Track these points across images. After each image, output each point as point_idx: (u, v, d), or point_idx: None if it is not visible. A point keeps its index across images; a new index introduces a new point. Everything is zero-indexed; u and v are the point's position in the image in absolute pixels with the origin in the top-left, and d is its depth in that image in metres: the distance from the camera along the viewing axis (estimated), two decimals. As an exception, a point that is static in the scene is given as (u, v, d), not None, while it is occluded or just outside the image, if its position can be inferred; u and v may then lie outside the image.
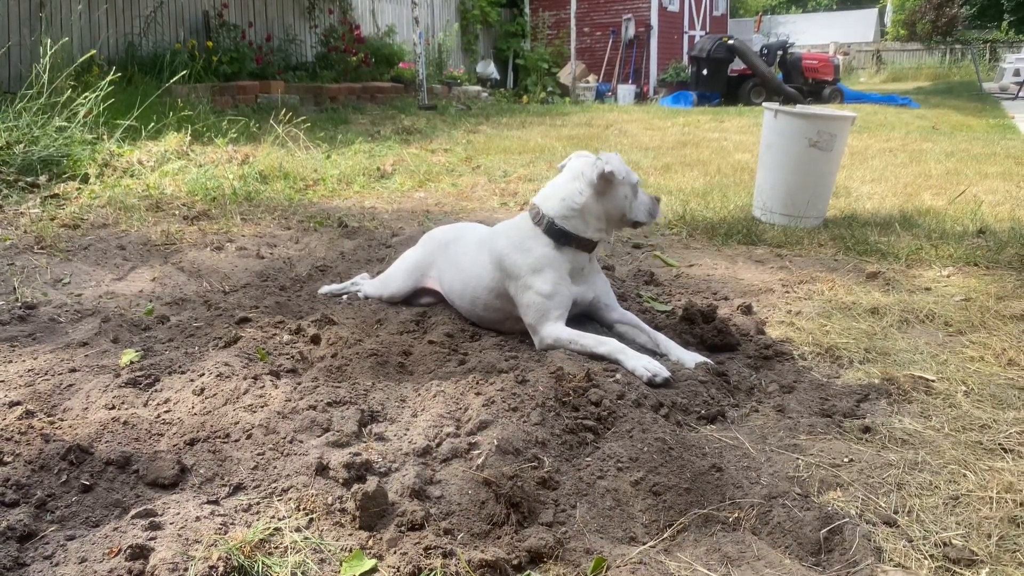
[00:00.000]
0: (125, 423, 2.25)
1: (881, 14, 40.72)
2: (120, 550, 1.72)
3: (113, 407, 2.40)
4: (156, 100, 7.77)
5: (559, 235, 2.92)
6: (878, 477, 2.11)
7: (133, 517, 1.84)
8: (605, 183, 2.90)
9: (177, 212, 5.26)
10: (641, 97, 19.46)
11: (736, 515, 1.94)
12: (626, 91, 18.87)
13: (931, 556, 1.79)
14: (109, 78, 6.64)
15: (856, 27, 37.74)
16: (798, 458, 2.19)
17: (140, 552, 1.70)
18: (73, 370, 2.68)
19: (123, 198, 5.42)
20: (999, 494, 2.00)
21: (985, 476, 2.09)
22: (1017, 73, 20.78)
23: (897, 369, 2.81)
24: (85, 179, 5.77)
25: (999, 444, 2.27)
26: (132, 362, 2.75)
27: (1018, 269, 4.03)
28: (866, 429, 2.36)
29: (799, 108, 5.56)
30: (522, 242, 2.96)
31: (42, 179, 5.59)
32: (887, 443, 2.30)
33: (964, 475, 2.10)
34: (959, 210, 5.54)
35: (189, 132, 7.21)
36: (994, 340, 3.05)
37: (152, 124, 7.02)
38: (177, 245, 4.50)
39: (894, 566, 1.74)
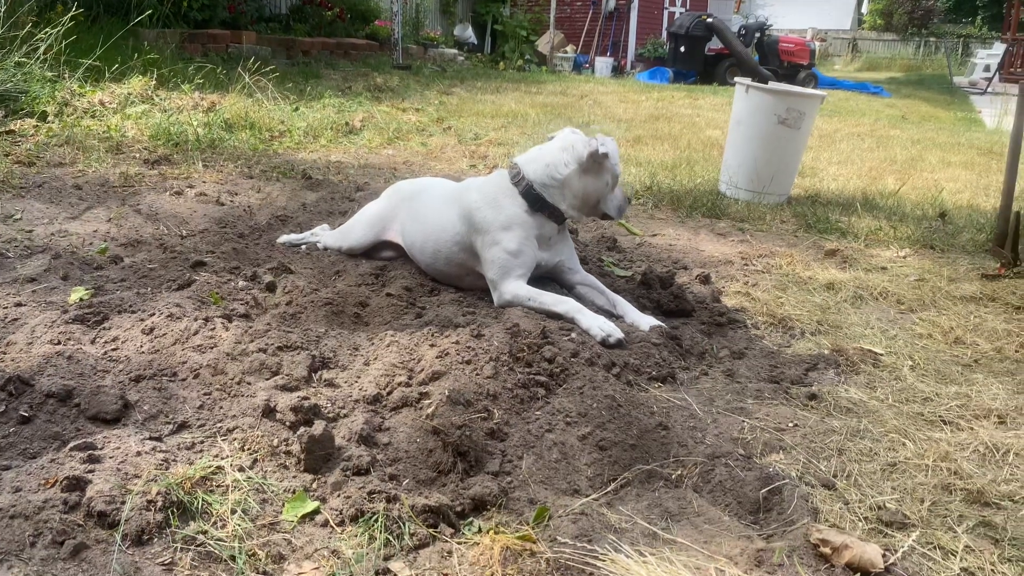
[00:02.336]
0: (70, 358, 2.21)
1: (859, 2, 40.90)
2: (56, 481, 1.69)
3: (59, 342, 2.35)
4: (122, 42, 7.54)
5: (535, 200, 2.91)
6: (820, 442, 2.15)
7: (72, 449, 1.81)
8: (593, 163, 2.89)
9: (138, 155, 5.14)
10: (618, 71, 19.36)
11: (679, 472, 1.97)
12: (604, 64, 18.76)
13: (865, 518, 1.83)
14: (72, 14, 6.43)
15: (834, 14, 37.84)
16: (744, 421, 2.22)
17: (76, 484, 1.68)
18: (19, 304, 2.62)
19: (82, 138, 5.28)
20: (935, 462, 2.05)
21: (923, 445, 2.14)
22: (987, 69, 21.04)
23: (847, 341, 2.85)
24: (43, 117, 5.59)
25: (939, 416, 2.32)
26: (82, 299, 2.70)
27: (971, 253, 4.11)
28: (812, 396, 2.40)
29: (770, 85, 5.58)
30: (495, 198, 2.94)
31: (-3, 114, 5.42)
32: (832, 411, 2.34)
33: (903, 444, 2.15)
34: (920, 195, 5.62)
35: (155, 76, 7.02)
36: (943, 319, 3.12)
37: (116, 66, 6.81)
38: (136, 188, 4.40)
39: (829, 526, 1.78)
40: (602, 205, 3.01)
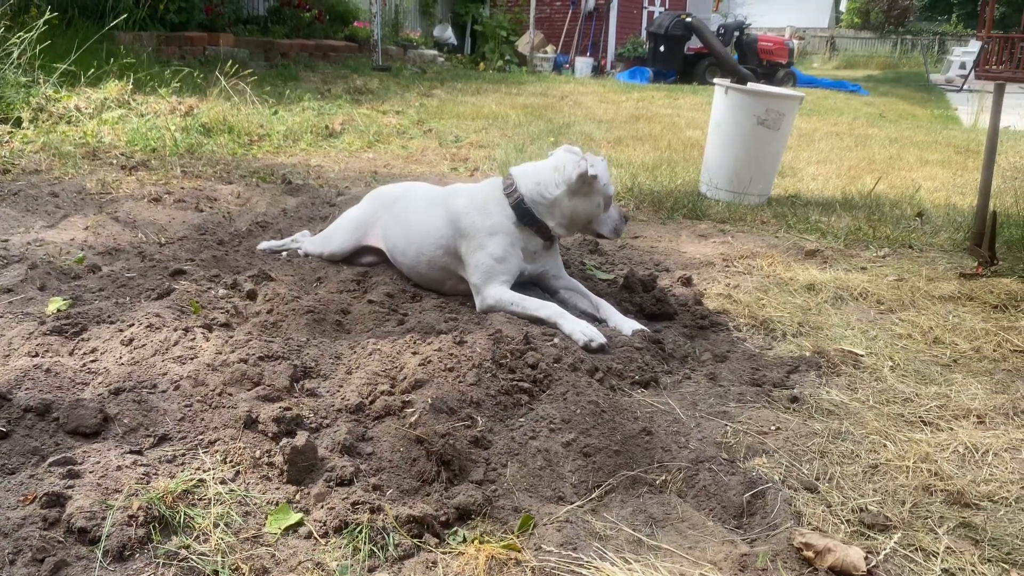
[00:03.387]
0: (48, 371, 2.18)
1: (836, 1, 41.24)
2: (35, 497, 1.67)
3: (36, 355, 2.33)
4: (97, 46, 7.46)
5: (524, 214, 2.91)
6: (803, 445, 2.16)
7: (51, 465, 1.79)
8: (583, 185, 2.88)
9: (115, 161, 5.09)
10: (598, 71, 19.41)
11: (663, 478, 1.98)
12: (584, 64, 18.80)
13: (848, 521, 1.84)
14: (46, 18, 6.36)
15: (812, 12, 38.14)
16: (727, 425, 2.23)
17: (56, 500, 1.66)
18: (-5, 316, 2.59)
19: (58, 144, 5.22)
20: (915, 464, 2.07)
21: (904, 447, 2.16)
22: (963, 66, 21.26)
23: (828, 343, 2.87)
24: (18, 123, 5.54)
25: (919, 417, 2.35)
26: (59, 310, 2.66)
27: (949, 252, 4.16)
28: (794, 399, 2.42)
29: (749, 86, 5.61)
30: (485, 205, 2.94)
31: (-29, 121, 5.35)
32: (813, 413, 2.35)
33: (884, 445, 2.17)
34: (899, 194, 5.67)
35: (131, 80, 6.96)
36: (922, 319, 3.14)
37: (92, 70, 6.76)
38: (113, 195, 4.36)
39: (811, 529, 1.79)
40: (594, 225, 2.99)
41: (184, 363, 2.28)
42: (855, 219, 4.82)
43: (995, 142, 3.91)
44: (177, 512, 1.70)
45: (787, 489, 1.95)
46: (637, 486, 1.95)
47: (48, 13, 6.57)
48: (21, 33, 6.18)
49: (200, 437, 1.98)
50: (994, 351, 2.87)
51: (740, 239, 4.34)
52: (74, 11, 8.96)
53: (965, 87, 19.92)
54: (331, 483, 1.84)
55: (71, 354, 2.37)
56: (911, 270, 3.80)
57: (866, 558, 1.68)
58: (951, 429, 2.27)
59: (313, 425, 2.07)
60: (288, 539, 1.70)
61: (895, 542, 1.76)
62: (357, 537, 1.68)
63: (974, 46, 22.28)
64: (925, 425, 2.30)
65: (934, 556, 1.73)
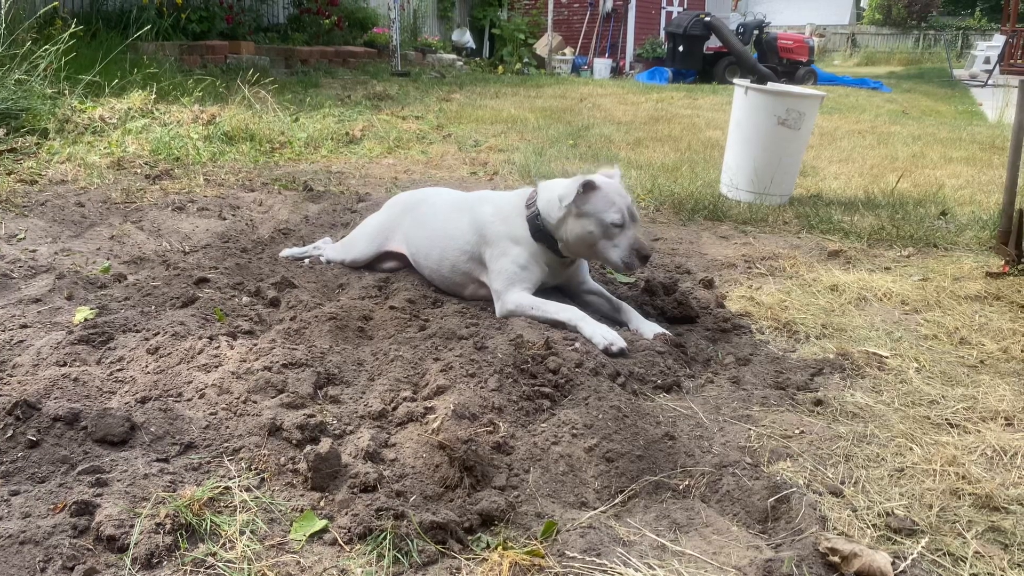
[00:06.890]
0: (76, 380, 2.22)
1: (857, -3, 40.84)
2: (65, 506, 1.70)
3: (64, 364, 2.36)
4: (121, 56, 7.57)
5: (536, 230, 2.89)
6: (827, 449, 2.14)
7: (80, 473, 1.82)
8: (578, 209, 2.75)
9: (139, 171, 5.15)
10: (617, 72, 19.37)
11: (687, 483, 1.97)
12: (602, 65, 18.76)
13: (874, 525, 1.83)
14: (71, 30, 6.45)
15: (832, 9, 37.78)
16: (750, 428, 2.22)
17: (85, 508, 1.69)
18: (24, 326, 2.63)
19: (84, 155, 5.30)
20: (942, 467, 2.05)
21: (930, 450, 2.14)
22: (987, 61, 20.97)
23: (852, 345, 2.85)
24: (44, 134, 5.62)
25: (946, 419, 2.32)
26: (86, 320, 2.70)
27: (975, 251, 4.10)
28: (818, 402, 2.40)
29: (769, 85, 5.57)
30: (509, 215, 2.96)
31: (-1, 133, 5.44)
32: (838, 416, 2.34)
33: (910, 448, 2.15)
34: (923, 193, 5.61)
35: (154, 90, 7.04)
36: (948, 319, 3.11)
37: (116, 81, 6.85)
38: (138, 204, 4.41)
39: (837, 534, 1.78)
40: (601, 253, 2.82)
41: (209, 371, 2.30)
42: (878, 218, 4.78)
43: (1021, 140, 3.85)
44: (203, 519, 1.72)
45: (812, 493, 1.93)
46: (660, 491, 1.94)
47: (73, 26, 6.67)
48: (47, 46, 6.28)
49: (225, 445, 2.00)
50: (1022, 351, 2.83)
51: (762, 240, 4.32)
52: (98, 23, 9.10)
53: (989, 82, 19.64)
54: (355, 490, 1.85)
55: (98, 363, 2.40)
56: (936, 270, 3.76)
57: (893, 563, 1.66)
58: (978, 431, 2.24)
59: (336, 432, 2.08)
60: (313, 546, 1.71)
61: (922, 547, 1.74)
62: (381, 544, 1.69)
63: (998, 40, 21.92)
64: (952, 427, 2.28)
65: (963, 561, 1.71)
